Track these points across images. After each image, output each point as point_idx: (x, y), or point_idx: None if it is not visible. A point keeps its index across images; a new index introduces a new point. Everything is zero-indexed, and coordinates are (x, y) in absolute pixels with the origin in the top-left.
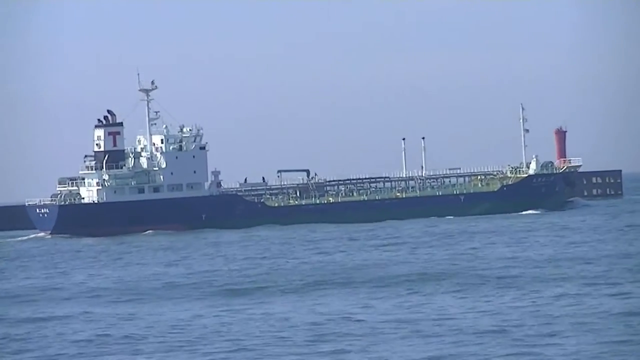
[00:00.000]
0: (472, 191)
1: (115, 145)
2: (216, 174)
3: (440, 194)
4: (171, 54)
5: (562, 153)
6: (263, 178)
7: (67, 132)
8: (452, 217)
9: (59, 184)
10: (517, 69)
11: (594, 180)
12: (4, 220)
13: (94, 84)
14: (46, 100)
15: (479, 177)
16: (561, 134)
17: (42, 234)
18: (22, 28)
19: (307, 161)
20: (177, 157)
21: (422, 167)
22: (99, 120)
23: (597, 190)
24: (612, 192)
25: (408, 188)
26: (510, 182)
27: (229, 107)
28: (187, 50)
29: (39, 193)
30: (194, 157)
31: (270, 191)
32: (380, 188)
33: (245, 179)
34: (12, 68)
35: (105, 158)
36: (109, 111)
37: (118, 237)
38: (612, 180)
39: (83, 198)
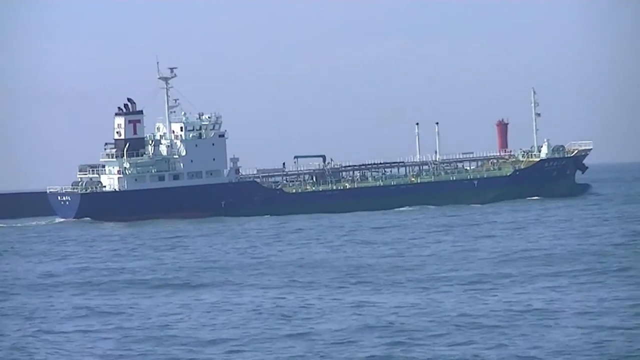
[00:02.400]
0: (485, 176)
1: (135, 133)
2: (235, 160)
3: (454, 178)
4: (189, 43)
5: (504, 145)
6: (284, 164)
7: (87, 120)
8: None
9: (80, 171)
10: (529, 55)
11: None
12: (24, 207)
13: (113, 72)
14: (66, 89)
15: (491, 162)
16: (502, 126)
17: (63, 221)
18: (42, 17)
19: (323, 147)
20: (196, 145)
21: (436, 152)
22: (119, 108)
23: None
24: None
25: (422, 173)
26: (522, 166)
27: (245, 94)
28: (205, 39)
29: (58, 180)
30: (213, 144)
31: (287, 177)
32: (394, 173)
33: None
34: (31, 57)
35: (126, 146)
36: (129, 99)
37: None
38: None
39: (104, 186)
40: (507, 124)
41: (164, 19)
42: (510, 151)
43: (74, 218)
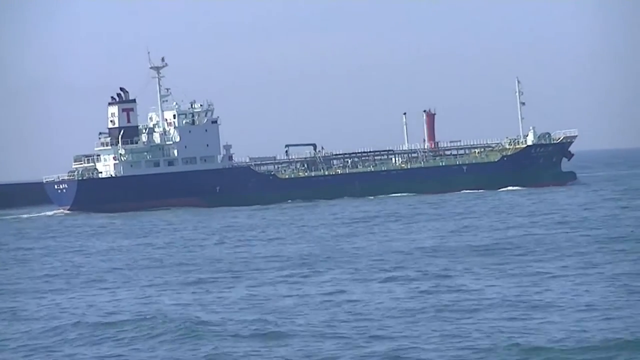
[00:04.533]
0: (474, 162)
1: (129, 121)
2: (227, 147)
3: (443, 164)
4: (180, 34)
5: (432, 135)
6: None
7: (79, 113)
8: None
9: (75, 161)
10: (513, 44)
11: None
12: (20, 197)
13: (104, 65)
14: (59, 82)
15: (478, 150)
16: (430, 116)
17: (60, 210)
18: (38, 8)
19: (313, 136)
20: (190, 131)
21: (424, 140)
22: (112, 97)
23: None
24: None
25: (411, 160)
26: (509, 153)
27: (235, 86)
28: (195, 30)
29: (53, 172)
30: (206, 130)
31: (279, 164)
32: (384, 161)
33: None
34: (24, 50)
35: (120, 134)
36: (121, 88)
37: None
38: None
39: (100, 172)
40: (435, 114)
41: (155, 11)
42: (438, 143)
43: (71, 206)
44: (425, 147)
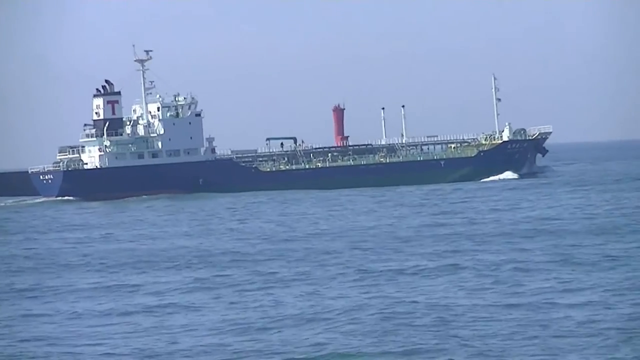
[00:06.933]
0: (451, 157)
1: (114, 113)
2: (210, 140)
3: (421, 159)
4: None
5: (340, 130)
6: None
7: (63, 104)
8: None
9: (60, 152)
10: (489, 42)
11: None
12: (5, 187)
13: (89, 57)
14: (43, 76)
15: (454, 145)
16: (339, 112)
17: (46, 199)
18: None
19: (293, 129)
20: (174, 124)
21: (402, 135)
22: (97, 89)
23: None
24: None
25: (389, 155)
26: (485, 149)
27: (217, 79)
28: (177, 23)
29: (37, 163)
30: (190, 123)
31: (260, 158)
32: (363, 155)
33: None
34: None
35: (105, 126)
36: (106, 81)
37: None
38: None
39: (86, 164)
40: (344, 109)
41: (140, 5)
42: (348, 137)
43: (56, 196)
44: (333, 143)
